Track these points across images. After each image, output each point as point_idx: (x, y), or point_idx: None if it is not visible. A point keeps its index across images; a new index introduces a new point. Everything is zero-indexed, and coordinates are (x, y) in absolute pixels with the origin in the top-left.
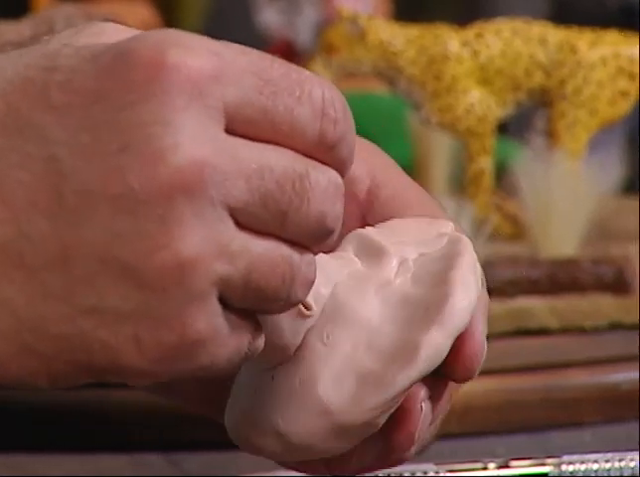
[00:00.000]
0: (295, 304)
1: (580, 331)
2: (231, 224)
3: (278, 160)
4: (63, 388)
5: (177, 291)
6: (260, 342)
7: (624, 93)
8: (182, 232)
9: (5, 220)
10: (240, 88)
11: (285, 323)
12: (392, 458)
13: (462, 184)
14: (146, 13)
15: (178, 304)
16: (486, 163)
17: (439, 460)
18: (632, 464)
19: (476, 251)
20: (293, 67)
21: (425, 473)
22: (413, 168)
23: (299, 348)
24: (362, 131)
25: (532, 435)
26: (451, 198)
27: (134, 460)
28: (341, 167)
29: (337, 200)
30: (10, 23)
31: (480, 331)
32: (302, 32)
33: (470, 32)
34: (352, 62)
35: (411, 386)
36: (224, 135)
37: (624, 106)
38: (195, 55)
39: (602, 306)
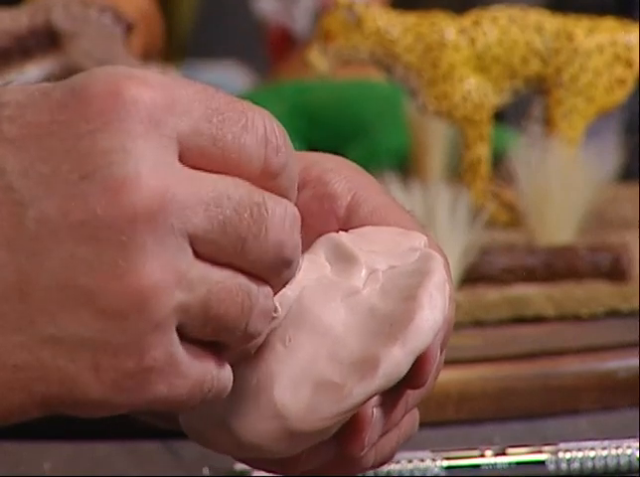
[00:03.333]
0: (253, 336)
1: (577, 318)
2: (190, 252)
3: (235, 189)
4: (12, 423)
5: (137, 318)
6: (225, 380)
7: (621, 81)
8: (143, 259)
9: None
10: (190, 118)
11: None
12: (343, 462)
13: (459, 172)
14: (143, 1)
15: (137, 332)
16: (483, 151)
17: (436, 448)
18: (629, 452)
19: (472, 240)
20: (234, 97)
21: (422, 460)
22: (410, 156)
23: (260, 348)
24: (359, 119)
25: (528, 423)
26: (448, 185)
27: (131, 447)
28: (283, 193)
29: (294, 230)
30: (7, 10)
31: (436, 347)
32: (299, 19)
33: (467, 20)
34: (349, 49)
35: (368, 399)
36: (178, 164)
37: (621, 94)
38: (148, 86)
39: (599, 294)
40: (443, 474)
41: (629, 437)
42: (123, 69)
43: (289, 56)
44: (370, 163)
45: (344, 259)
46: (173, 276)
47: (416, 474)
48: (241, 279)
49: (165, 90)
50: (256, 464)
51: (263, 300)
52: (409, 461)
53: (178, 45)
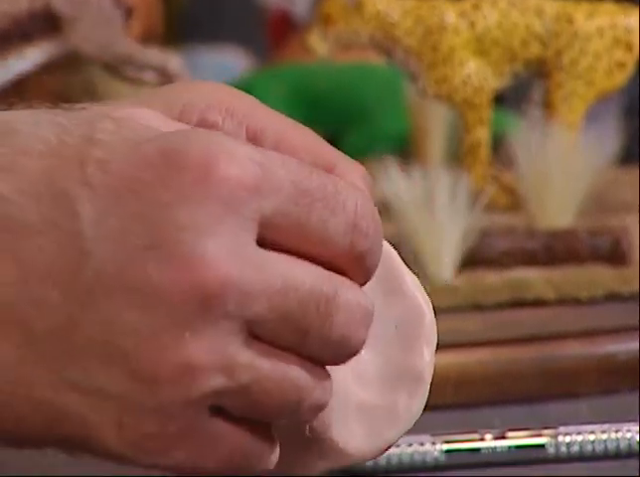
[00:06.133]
0: (301, 424)
1: (577, 302)
2: (242, 338)
3: (306, 278)
4: (26, 448)
5: (169, 391)
6: (269, 458)
7: (621, 64)
8: (191, 339)
9: (15, 281)
10: (277, 200)
11: None
12: None
13: (459, 155)
14: None
15: (166, 402)
16: (483, 134)
17: (436, 431)
18: (629, 435)
19: (472, 223)
20: (330, 176)
21: (422, 444)
22: (410, 139)
23: None
24: (359, 103)
25: (528, 406)
26: (448, 169)
27: None
28: (365, 276)
29: (362, 325)
30: None
31: None
32: (299, 3)
33: (467, 3)
34: (349, 33)
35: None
36: (253, 247)
37: (621, 77)
38: (239, 165)
39: (599, 277)
40: (443, 458)
41: (629, 421)
42: (221, 139)
43: (289, 40)
44: (369, 147)
45: None
46: (218, 360)
47: (416, 458)
48: (295, 372)
49: (256, 170)
50: None
51: (320, 394)
52: (409, 445)
53: (178, 28)
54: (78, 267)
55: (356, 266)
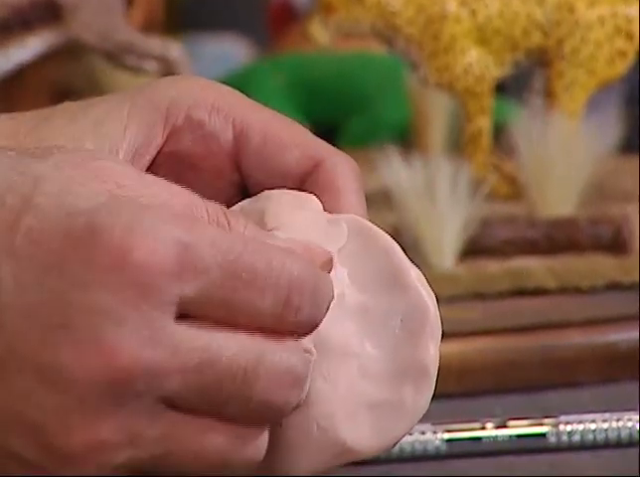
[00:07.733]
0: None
1: (578, 291)
2: (153, 412)
3: (226, 349)
4: None
5: (80, 465)
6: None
7: (622, 53)
8: (99, 420)
9: None
10: (200, 284)
11: None
12: None
13: (460, 144)
14: None
15: (79, 473)
16: (484, 123)
17: (437, 420)
18: (630, 424)
19: (473, 212)
20: (266, 249)
21: (423, 433)
22: (411, 128)
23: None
24: (359, 91)
25: (529, 395)
26: (449, 158)
27: None
28: (301, 334)
29: (290, 389)
30: None
31: None
32: None
33: None
34: (350, 21)
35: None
36: (170, 328)
37: (622, 66)
38: (160, 248)
39: (600, 266)
40: (444, 447)
41: (630, 410)
42: (148, 219)
43: (290, 28)
44: (370, 136)
45: None
46: (126, 437)
47: (417, 447)
48: (213, 436)
49: (179, 252)
50: None
51: (251, 452)
52: (410, 434)
53: (178, 17)
54: None
55: (289, 331)
